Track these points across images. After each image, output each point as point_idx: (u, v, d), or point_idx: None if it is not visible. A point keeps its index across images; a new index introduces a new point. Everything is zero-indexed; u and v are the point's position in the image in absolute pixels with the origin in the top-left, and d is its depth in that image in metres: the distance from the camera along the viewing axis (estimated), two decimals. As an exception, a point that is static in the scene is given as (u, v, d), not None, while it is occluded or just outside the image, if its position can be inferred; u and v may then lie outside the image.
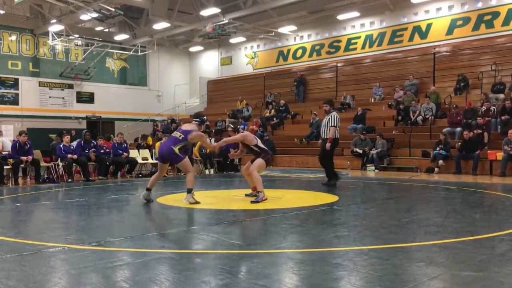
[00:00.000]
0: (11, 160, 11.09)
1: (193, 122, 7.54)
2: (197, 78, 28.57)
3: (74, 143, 12.79)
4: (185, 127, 7.46)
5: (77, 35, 23.27)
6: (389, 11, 20.36)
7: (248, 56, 26.35)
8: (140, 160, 14.01)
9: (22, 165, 11.33)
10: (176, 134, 7.37)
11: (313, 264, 3.76)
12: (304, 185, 10.60)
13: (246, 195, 8.02)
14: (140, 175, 13.46)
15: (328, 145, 9.36)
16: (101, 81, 25.87)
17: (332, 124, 9.39)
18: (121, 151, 13.12)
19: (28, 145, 11.29)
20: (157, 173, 7.59)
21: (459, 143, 13.23)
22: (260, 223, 5.63)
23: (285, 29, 23.15)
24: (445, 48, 18.56)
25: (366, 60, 20.91)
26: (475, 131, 13.39)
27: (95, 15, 18.93)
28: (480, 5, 17.91)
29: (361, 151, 14.78)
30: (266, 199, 7.28)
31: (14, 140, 12.27)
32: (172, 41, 27.48)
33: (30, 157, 11.15)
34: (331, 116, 9.51)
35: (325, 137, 9.52)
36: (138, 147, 17.72)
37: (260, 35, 24.25)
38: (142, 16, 23.65)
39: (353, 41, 21.67)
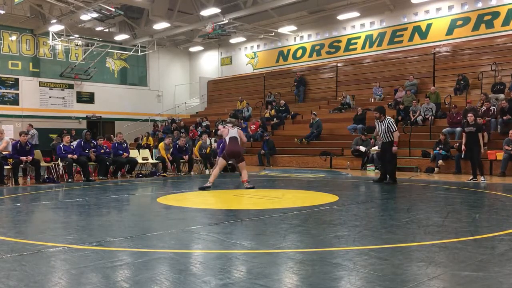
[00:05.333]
0: (11, 160, 11.08)
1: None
2: (197, 78, 28.58)
3: (74, 143, 12.77)
4: None
5: (77, 35, 23.28)
6: (389, 11, 20.36)
7: (248, 56, 26.35)
8: (140, 160, 14.01)
9: (22, 165, 11.33)
10: None
11: (313, 264, 3.76)
12: (304, 185, 10.59)
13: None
14: (140, 175, 13.46)
15: (394, 148, 10.16)
16: (101, 81, 25.88)
17: (395, 129, 10.16)
18: (121, 151, 13.12)
19: (29, 145, 11.29)
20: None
21: (459, 143, 13.21)
22: (260, 223, 5.62)
23: (285, 29, 23.15)
24: (445, 48, 18.57)
25: (366, 60, 20.92)
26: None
27: (95, 15, 18.93)
28: (480, 5, 17.92)
29: (363, 150, 14.82)
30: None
31: (14, 140, 12.27)
32: (172, 41, 27.48)
33: (30, 157, 11.15)
34: (389, 121, 10.19)
35: (386, 141, 10.19)
36: (138, 147, 17.73)
37: (260, 35, 24.25)
38: (142, 16, 23.66)
39: (353, 41, 21.67)
